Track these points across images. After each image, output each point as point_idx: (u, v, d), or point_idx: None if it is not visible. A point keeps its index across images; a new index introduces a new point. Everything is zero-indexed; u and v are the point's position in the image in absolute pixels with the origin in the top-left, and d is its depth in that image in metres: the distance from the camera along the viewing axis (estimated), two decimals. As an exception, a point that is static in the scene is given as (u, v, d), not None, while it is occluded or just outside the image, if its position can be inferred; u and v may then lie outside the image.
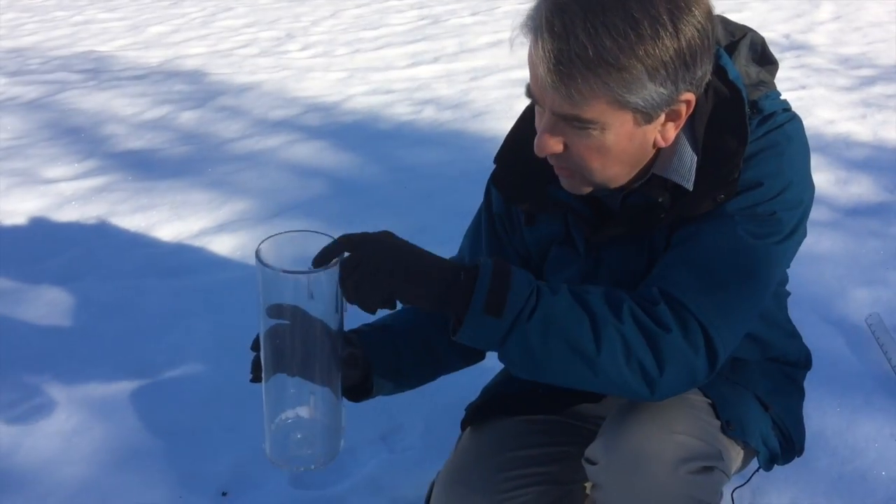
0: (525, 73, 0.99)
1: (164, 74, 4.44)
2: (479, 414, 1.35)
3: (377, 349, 1.17)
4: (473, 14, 5.27)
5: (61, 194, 2.99)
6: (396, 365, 1.20)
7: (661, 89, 0.91)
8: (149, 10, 6.09)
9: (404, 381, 1.24)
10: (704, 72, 0.95)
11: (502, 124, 3.47)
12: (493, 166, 1.19)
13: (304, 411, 1.03)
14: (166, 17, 5.80)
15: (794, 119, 1.07)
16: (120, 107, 3.94)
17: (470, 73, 4.12)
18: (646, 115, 0.94)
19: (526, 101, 1.18)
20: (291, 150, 3.31)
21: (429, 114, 3.62)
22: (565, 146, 0.98)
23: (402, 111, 3.67)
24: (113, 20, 5.80)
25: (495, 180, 1.18)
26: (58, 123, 3.76)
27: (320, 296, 0.95)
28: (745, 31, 1.12)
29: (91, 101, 4.04)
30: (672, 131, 0.99)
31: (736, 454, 1.16)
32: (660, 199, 1.03)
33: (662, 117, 0.96)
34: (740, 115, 1.01)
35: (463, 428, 1.37)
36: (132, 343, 2.11)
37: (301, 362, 0.99)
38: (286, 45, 4.87)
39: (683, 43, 0.89)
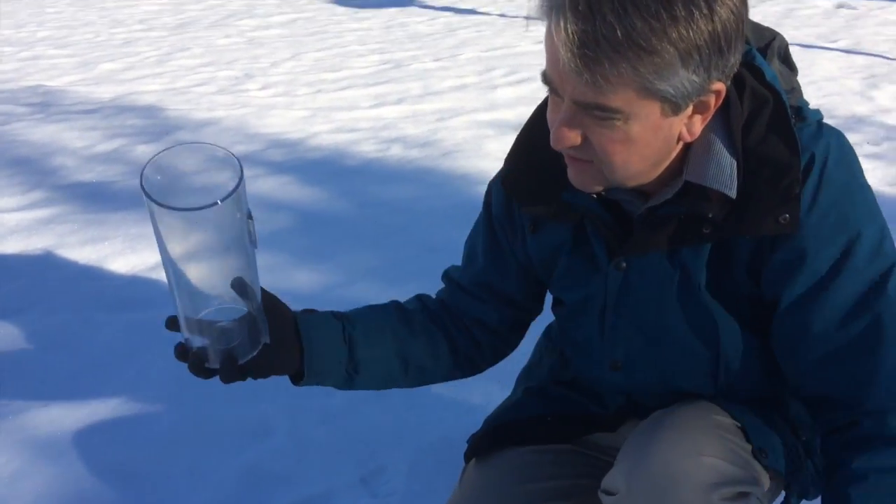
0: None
1: (117, 109, 4.27)
2: (483, 444, 1.22)
3: (324, 327, 1.09)
4: (436, 60, 5.25)
5: (4, 225, 2.78)
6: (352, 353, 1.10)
7: (693, 77, 0.83)
8: (101, 48, 5.92)
9: (366, 370, 1.13)
10: (736, 60, 0.87)
11: (473, 163, 3.40)
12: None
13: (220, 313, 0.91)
14: (119, 56, 5.63)
15: (838, 131, 0.99)
16: (69, 139, 3.75)
17: (436, 115, 4.06)
18: (674, 106, 0.85)
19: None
20: (254, 184, 3.17)
21: (396, 152, 3.53)
22: (584, 139, 0.88)
23: (368, 149, 3.57)
24: (62, 56, 5.62)
25: (505, 182, 1.08)
26: (3, 154, 3.55)
27: (223, 226, 0.85)
28: (773, 33, 1.05)
29: (38, 133, 3.84)
30: (699, 125, 0.90)
31: (767, 484, 1.05)
32: (710, 215, 0.93)
33: (690, 109, 0.87)
34: (785, 120, 0.92)
35: (466, 460, 1.24)
36: (82, 380, 1.92)
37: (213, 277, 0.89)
38: (245, 84, 4.76)
39: (718, 26, 0.81)
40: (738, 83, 0.93)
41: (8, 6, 7.74)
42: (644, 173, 0.93)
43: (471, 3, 7.40)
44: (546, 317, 1.35)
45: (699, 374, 1.04)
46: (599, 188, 0.95)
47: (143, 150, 3.58)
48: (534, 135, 1.04)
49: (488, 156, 3.45)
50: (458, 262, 1.24)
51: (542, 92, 0.92)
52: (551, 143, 0.90)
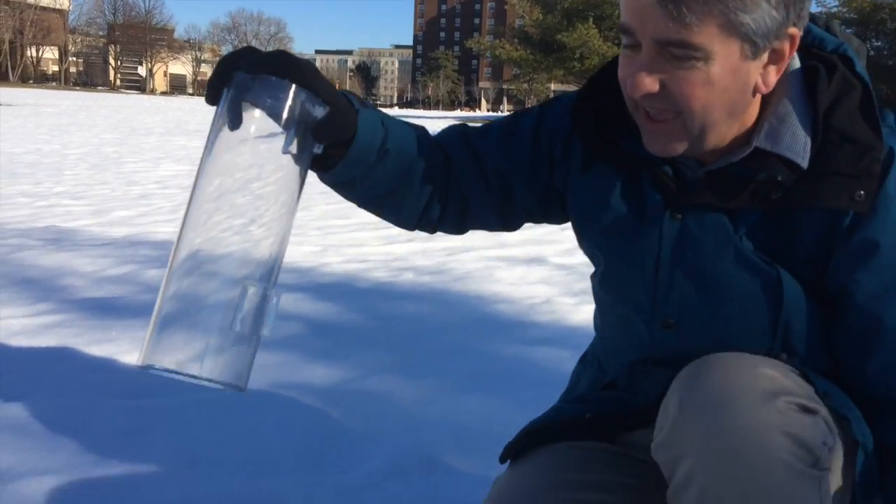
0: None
1: (129, 243, 4.32)
2: (519, 445, 1.15)
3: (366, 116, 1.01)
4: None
5: (8, 329, 2.71)
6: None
7: (774, 12, 0.86)
8: (116, 200, 6.10)
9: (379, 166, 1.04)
10: (808, 10, 0.91)
11: (485, 286, 3.41)
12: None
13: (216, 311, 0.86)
14: (133, 206, 5.80)
15: None
16: (80, 265, 3.76)
17: (446, 251, 4.12)
18: (753, 46, 0.87)
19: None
20: (265, 300, 3.13)
21: (408, 277, 3.54)
22: (662, 86, 0.89)
23: (380, 275, 3.58)
24: (78, 206, 5.77)
25: (575, 113, 1.07)
26: (11, 275, 3.54)
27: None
28: (860, 42, 1.07)
29: (49, 259, 3.86)
30: (773, 76, 0.92)
31: (835, 427, 0.93)
32: (779, 178, 0.93)
33: (766, 56, 0.90)
34: (871, 107, 0.94)
35: (502, 462, 1.18)
36: (82, 457, 1.79)
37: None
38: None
39: None
40: (829, 67, 0.96)
41: (28, 169, 8.05)
42: (720, 124, 0.92)
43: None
44: (577, 349, 1.30)
45: (757, 334, 0.98)
46: (679, 150, 0.94)
47: (154, 275, 3.58)
48: (604, 78, 1.05)
49: (500, 281, 3.46)
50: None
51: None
52: (628, 92, 0.91)
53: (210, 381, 0.84)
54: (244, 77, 0.89)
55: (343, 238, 4.50)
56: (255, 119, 0.90)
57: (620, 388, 1.14)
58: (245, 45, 1.16)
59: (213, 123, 0.91)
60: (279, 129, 0.90)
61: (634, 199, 1.03)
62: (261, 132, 0.90)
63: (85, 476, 1.69)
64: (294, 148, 0.91)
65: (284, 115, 0.89)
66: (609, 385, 1.15)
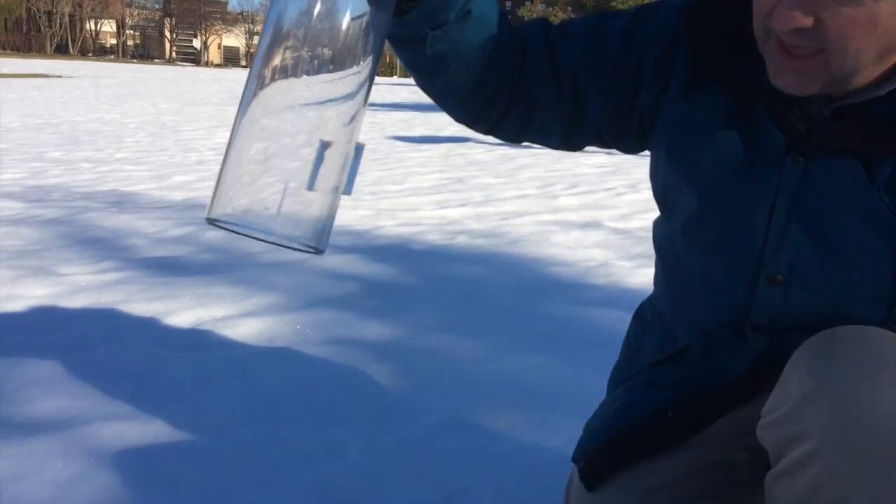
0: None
1: (189, 206, 4.40)
2: (600, 465, 1.05)
3: None
4: (496, 177, 5.37)
5: (75, 284, 2.79)
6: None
7: None
8: (174, 166, 6.20)
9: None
10: None
11: (542, 249, 3.37)
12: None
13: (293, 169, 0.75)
14: (192, 171, 5.89)
15: None
16: (141, 226, 3.84)
17: (500, 216, 4.08)
18: None
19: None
20: (321, 260, 3.15)
21: (462, 240, 3.52)
22: (817, 21, 0.77)
23: (434, 238, 3.57)
24: (138, 171, 5.89)
25: (691, 20, 0.94)
26: (76, 235, 3.64)
27: None
28: None
29: (112, 220, 3.95)
30: None
31: None
32: None
33: None
34: None
35: (585, 482, 1.06)
36: (146, 404, 1.83)
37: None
38: (311, 193, 4.89)
39: None
40: None
41: (90, 136, 8.25)
42: (868, 67, 0.81)
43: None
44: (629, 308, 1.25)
45: (874, 301, 0.89)
46: (813, 91, 0.82)
47: (213, 235, 3.64)
48: None
49: (556, 245, 3.42)
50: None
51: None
52: (774, 23, 0.78)
53: (287, 240, 0.75)
54: None
55: (396, 202, 4.50)
56: None
57: (694, 357, 1.03)
58: None
59: None
60: None
61: (748, 136, 0.90)
62: None
63: (149, 422, 1.73)
64: None
65: None
66: (680, 353, 1.04)
